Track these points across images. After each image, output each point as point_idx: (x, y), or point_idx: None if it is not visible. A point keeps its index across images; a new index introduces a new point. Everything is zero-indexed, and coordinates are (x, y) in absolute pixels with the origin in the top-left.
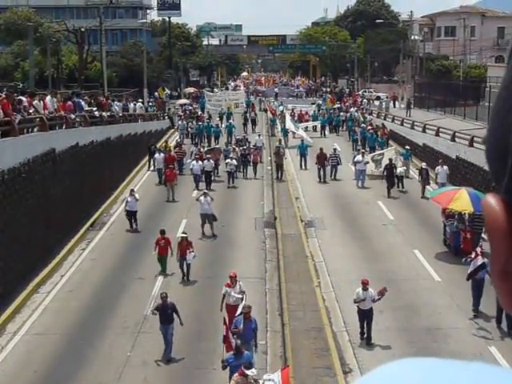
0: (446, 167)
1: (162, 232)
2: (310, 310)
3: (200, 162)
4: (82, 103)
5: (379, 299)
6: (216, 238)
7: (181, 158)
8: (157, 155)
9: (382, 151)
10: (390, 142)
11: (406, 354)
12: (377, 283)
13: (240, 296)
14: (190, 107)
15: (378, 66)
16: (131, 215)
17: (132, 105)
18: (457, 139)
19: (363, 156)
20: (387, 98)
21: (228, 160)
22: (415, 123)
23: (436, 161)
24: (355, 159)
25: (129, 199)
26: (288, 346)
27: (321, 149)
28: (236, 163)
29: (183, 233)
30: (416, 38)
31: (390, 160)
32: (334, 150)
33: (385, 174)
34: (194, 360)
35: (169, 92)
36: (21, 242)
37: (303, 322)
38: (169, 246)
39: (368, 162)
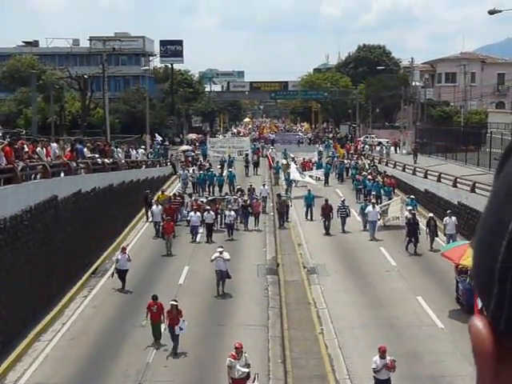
0: (454, 218)
1: (155, 298)
2: (313, 357)
3: (198, 213)
4: (84, 150)
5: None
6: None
7: (177, 206)
8: (154, 207)
9: (388, 202)
10: (396, 190)
11: None
12: (380, 330)
13: (246, 370)
14: (193, 153)
15: (379, 112)
16: (122, 274)
17: (134, 151)
18: (458, 185)
19: (374, 207)
20: (388, 143)
21: (227, 211)
22: (417, 169)
23: (438, 207)
24: (366, 210)
25: (119, 257)
26: None
27: (326, 200)
28: (235, 215)
29: (173, 300)
30: (417, 84)
31: (414, 215)
32: (343, 201)
33: (407, 229)
34: None
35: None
36: (22, 290)
37: (306, 370)
38: (162, 312)
39: (381, 213)
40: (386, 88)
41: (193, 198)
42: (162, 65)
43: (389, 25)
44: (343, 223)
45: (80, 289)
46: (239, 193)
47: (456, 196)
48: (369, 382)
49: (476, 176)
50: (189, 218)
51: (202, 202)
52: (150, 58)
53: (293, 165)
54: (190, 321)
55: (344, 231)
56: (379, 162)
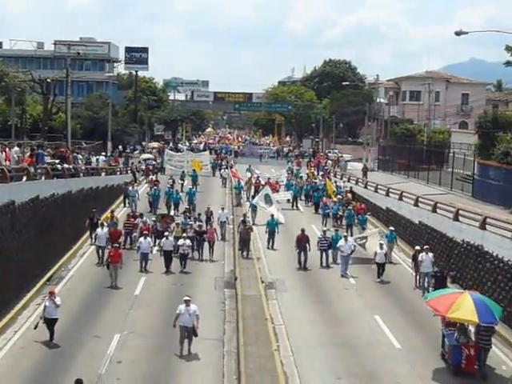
0: (431, 255)
1: (79, 382)
2: (268, 374)
3: (148, 239)
4: (45, 155)
5: None
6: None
7: (129, 230)
8: (99, 230)
9: (365, 234)
10: (370, 217)
11: None
12: (336, 348)
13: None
14: (154, 162)
15: (342, 127)
16: (50, 323)
17: (95, 158)
18: (420, 204)
19: (346, 240)
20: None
21: (181, 240)
22: (379, 186)
23: (399, 225)
24: (338, 245)
25: (47, 304)
26: None
27: (302, 230)
28: (190, 244)
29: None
30: (381, 100)
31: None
32: (324, 232)
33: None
34: None
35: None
36: None
37: None
38: None
39: (355, 246)
40: (350, 103)
41: (142, 220)
42: (127, 71)
43: (354, 41)
44: (326, 257)
45: (34, 296)
46: (193, 217)
47: (417, 215)
48: None
49: (438, 195)
50: (138, 245)
51: (154, 221)
52: (115, 64)
53: (266, 191)
54: (144, 333)
55: (328, 266)
56: (341, 178)
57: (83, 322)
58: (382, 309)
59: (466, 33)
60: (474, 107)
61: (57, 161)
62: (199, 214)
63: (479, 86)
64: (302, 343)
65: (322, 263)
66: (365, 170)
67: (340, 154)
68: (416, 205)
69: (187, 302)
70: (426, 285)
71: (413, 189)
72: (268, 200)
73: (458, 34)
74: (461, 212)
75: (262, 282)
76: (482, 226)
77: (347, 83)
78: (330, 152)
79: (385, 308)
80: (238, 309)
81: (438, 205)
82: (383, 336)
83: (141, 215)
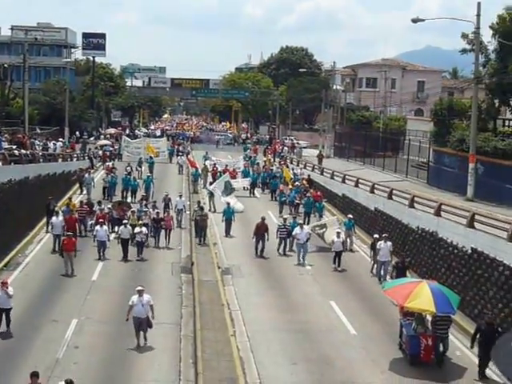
0: (389, 243)
1: (34, 375)
2: (225, 359)
3: (105, 227)
4: (2, 140)
5: None
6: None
7: (82, 217)
8: (54, 218)
9: (322, 222)
10: (326, 204)
11: None
12: (292, 334)
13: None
14: (111, 148)
15: (299, 114)
16: (2, 313)
17: (52, 144)
18: (376, 191)
19: (302, 228)
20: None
21: (137, 228)
22: (335, 173)
23: (355, 212)
24: (294, 233)
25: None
26: None
27: (262, 218)
28: (146, 231)
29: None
30: (338, 87)
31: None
32: (285, 219)
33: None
34: None
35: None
36: None
37: (217, 372)
38: None
39: (310, 234)
40: (307, 90)
41: (100, 207)
42: (84, 57)
43: (311, 28)
44: (284, 245)
45: None
46: (150, 205)
47: (373, 202)
48: None
49: (393, 182)
50: (95, 233)
51: (110, 209)
52: (72, 50)
53: (225, 178)
54: (101, 318)
55: (285, 254)
56: (297, 165)
57: (41, 308)
58: (338, 295)
59: (423, 20)
60: (429, 94)
61: (14, 146)
62: (155, 202)
63: (435, 73)
64: (258, 329)
65: (279, 250)
66: (320, 157)
67: (296, 141)
68: (372, 191)
69: (140, 292)
70: (382, 273)
71: (369, 175)
72: (228, 187)
73: (414, 21)
74: (416, 199)
75: (219, 267)
76: (437, 213)
77: (304, 70)
78: (286, 139)
79: (340, 294)
80: (194, 294)
81: (394, 191)
82: (338, 322)
83: (99, 203)
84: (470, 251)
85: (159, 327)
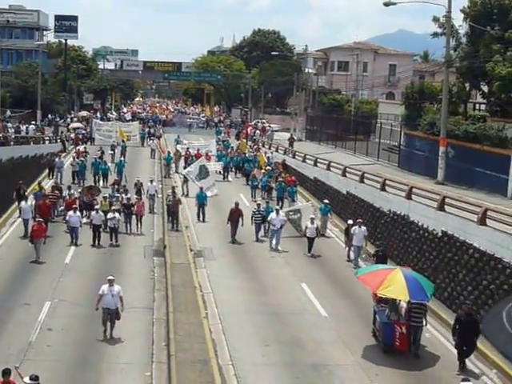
0: (364, 228)
1: (5, 372)
2: (197, 341)
3: (78, 212)
4: None
5: None
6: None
7: (54, 202)
8: (23, 203)
9: (297, 207)
10: (299, 188)
11: None
12: (264, 316)
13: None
14: (83, 131)
15: (271, 97)
16: None
17: (25, 127)
18: (347, 174)
19: (277, 214)
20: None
21: (110, 214)
22: (307, 156)
23: (327, 195)
24: (269, 218)
25: None
26: (173, 378)
27: (236, 204)
28: (119, 217)
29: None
30: (310, 71)
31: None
32: (258, 205)
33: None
34: None
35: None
36: None
37: (189, 354)
38: None
39: (285, 220)
40: (279, 74)
41: (70, 192)
42: (56, 40)
43: (284, 9)
44: (258, 230)
45: None
46: (121, 189)
47: (345, 185)
48: (251, 369)
49: (365, 166)
50: (67, 218)
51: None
52: (44, 32)
53: (200, 162)
54: (74, 301)
55: (258, 239)
56: (269, 148)
57: (13, 290)
58: (310, 277)
59: (395, 3)
60: (401, 78)
61: None
62: (124, 186)
63: (406, 56)
64: (230, 311)
65: (257, 238)
66: (291, 140)
67: (267, 124)
68: (344, 175)
69: (111, 282)
70: (353, 256)
71: (340, 159)
72: (203, 171)
73: (386, 4)
74: (387, 182)
75: (191, 250)
76: (408, 196)
77: (276, 53)
78: (258, 122)
79: (312, 277)
80: (167, 277)
81: (366, 175)
82: (309, 304)
83: (69, 187)
84: (440, 234)
85: (132, 311)
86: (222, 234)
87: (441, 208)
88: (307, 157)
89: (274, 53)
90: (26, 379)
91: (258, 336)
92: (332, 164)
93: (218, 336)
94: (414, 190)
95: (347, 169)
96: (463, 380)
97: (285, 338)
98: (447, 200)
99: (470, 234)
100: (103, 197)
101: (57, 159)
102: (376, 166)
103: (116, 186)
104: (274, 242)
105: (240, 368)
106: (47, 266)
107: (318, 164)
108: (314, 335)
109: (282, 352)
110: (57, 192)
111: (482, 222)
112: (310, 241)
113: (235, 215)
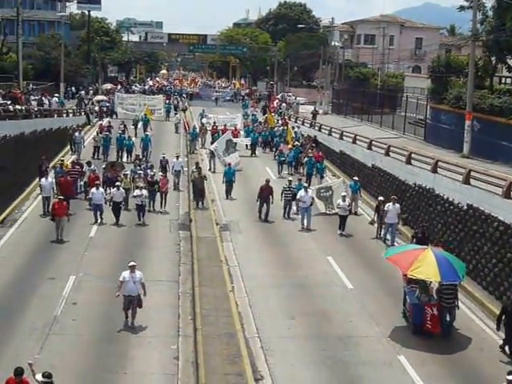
0: (397, 206)
1: (18, 372)
2: (223, 315)
3: (101, 189)
4: None
5: None
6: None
7: (75, 178)
8: (43, 180)
9: (328, 184)
10: (325, 162)
11: (316, 362)
12: (290, 289)
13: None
14: (108, 104)
15: (297, 71)
16: None
17: (47, 99)
18: (373, 147)
19: (306, 191)
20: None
21: (137, 191)
22: (333, 130)
23: (353, 168)
24: (298, 196)
25: None
26: (200, 351)
27: (267, 181)
28: (146, 194)
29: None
30: (336, 44)
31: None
32: (290, 181)
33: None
34: (103, 363)
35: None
36: None
37: (216, 327)
38: None
39: (313, 198)
40: (305, 47)
41: (91, 168)
42: (79, 11)
43: None
44: (289, 208)
45: None
46: (144, 166)
47: (370, 158)
48: (277, 342)
49: (390, 139)
50: (90, 196)
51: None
52: (67, 3)
53: (226, 137)
54: (99, 274)
55: (289, 217)
56: (295, 121)
57: (38, 265)
58: (336, 252)
59: None
60: (427, 51)
61: (9, 102)
62: (147, 162)
63: (433, 30)
64: (257, 284)
65: (285, 215)
66: (314, 113)
67: (293, 97)
68: (369, 148)
69: (132, 268)
70: (388, 236)
71: (366, 132)
72: (230, 146)
73: None
74: (413, 155)
75: (217, 224)
76: (434, 170)
77: (302, 26)
78: (288, 96)
79: (339, 251)
80: (192, 250)
81: (391, 148)
82: (336, 277)
83: (88, 163)
84: (465, 207)
85: (158, 284)
86: (249, 208)
87: (466, 181)
88: (333, 130)
89: (300, 25)
90: (39, 376)
91: (283, 309)
92: (358, 137)
93: (244, 309)
94: (439, 163)
95: (373, 142)
96: (509, 373)
97: (310, 311)
98: (472, 173)
99: (494, 207)
100: (123, 174)
101: (76, 133)
102: (402, 139)
103: (137, 162)
104: (305, 221)
105: (266, 341)
106: (72, 240)
107: (344, 137)
108: (340, 308)
109: (308, 324)
110: (78, 168)
111: (506, 195)
112: (342, 219)
113: (265, 192)
